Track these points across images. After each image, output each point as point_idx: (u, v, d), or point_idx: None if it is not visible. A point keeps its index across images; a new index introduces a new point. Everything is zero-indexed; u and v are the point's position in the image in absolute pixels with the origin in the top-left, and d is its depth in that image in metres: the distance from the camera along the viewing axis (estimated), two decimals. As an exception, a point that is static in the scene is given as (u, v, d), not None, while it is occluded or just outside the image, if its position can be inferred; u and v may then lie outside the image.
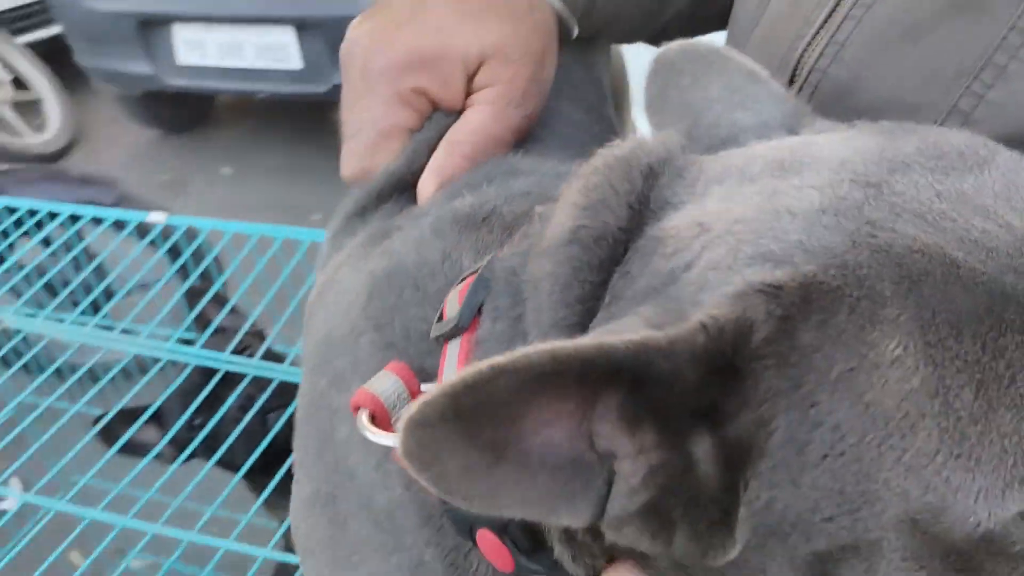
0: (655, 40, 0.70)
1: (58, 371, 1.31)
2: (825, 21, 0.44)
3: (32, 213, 1.37)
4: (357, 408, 0.35)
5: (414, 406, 0.25)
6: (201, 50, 3.07)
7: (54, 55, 3.63)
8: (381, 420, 0.35)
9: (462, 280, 0.39)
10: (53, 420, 1.23)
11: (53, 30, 3.48)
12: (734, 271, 0.27)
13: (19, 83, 3.62)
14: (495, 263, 0.37)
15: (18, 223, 1.38)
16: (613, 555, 0.33)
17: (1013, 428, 0.26)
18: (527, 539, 0.35)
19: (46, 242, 1.61)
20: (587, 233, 0.32)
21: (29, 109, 3.68)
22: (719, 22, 0.61)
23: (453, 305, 0.38)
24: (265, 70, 3.01)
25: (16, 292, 1.45)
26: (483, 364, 0.25)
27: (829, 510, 0.27)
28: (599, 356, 0.25)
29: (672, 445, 0.28)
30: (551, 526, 0.34)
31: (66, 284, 1.37)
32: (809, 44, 0.44)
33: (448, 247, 0.42)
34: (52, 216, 1.37)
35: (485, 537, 0.36)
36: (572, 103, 0.59)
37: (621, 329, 0.26)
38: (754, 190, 0.30)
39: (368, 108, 0.50)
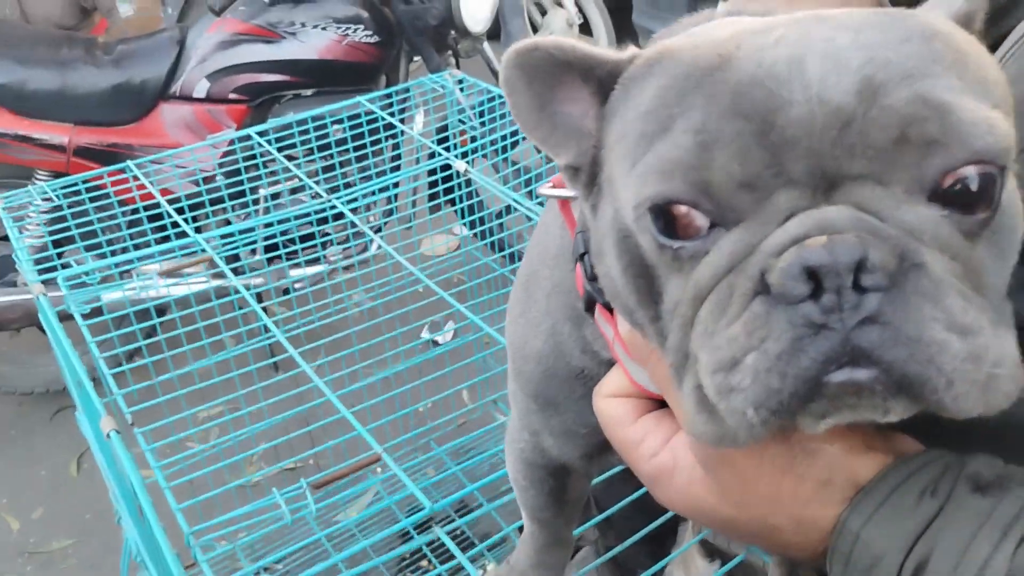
0: None
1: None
2: None
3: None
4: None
5: (507, 55, 0.44)
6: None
7: (618, 11, 4.21)
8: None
9: None
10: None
11: (626, -12, 3.99)
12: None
13: (583, 28, 4.29)
14: None
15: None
16: None
17: (650, 153, 0.39)
18: (592, 271, 0.50)
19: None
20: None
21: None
22: None
23: None
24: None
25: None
26: (531, 41, 0.43)
27: (620, 170, 0.42)
28: (579, 54, 0.44)
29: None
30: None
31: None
32: None
33: None
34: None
35: (576, 269, 0.52)
36: None
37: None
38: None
39: None
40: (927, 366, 0.34)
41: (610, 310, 0.50)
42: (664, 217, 0.38)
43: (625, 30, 4.06)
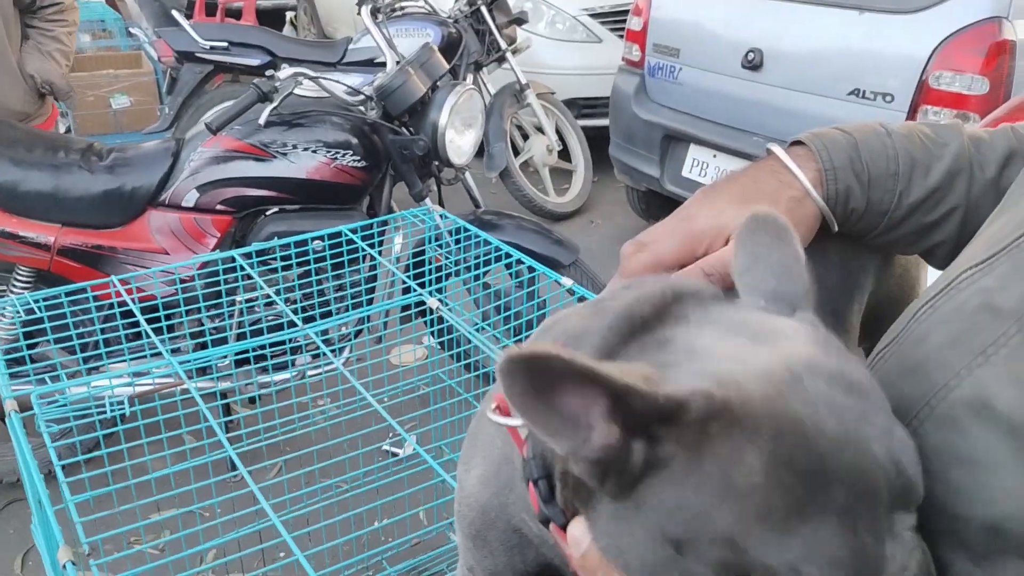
0: (928, 256, 0.77)
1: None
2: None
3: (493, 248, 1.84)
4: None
5: (513, 350, 0.43)
6: (702, 169, 3.53)
7: (595, 141, 4.43)
8: (504, 411, 0.58)
9: None
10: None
11: (603, 122, 4.20)
12: (701, 376, 0.46)
13: (562, 154, 4.51)
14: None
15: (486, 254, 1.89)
16: (575, 511, 0.52)
17: (799, 539, 0.43)
18: (547, 492, 0.54)
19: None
20: (627, 310, 0.53)
21: (560, 175, 4.55)
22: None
23: None
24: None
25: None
26: (552, 347, 0.43)
27: (676, 524, 0.45)
28: (601, 377, 0.43)
29: (623, 440, 0.45)
30: (557, 482, 0.53)
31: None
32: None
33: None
34: (505, 255, 1.81)
35: (529, 488, 0.55)
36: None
37: (627, 368, 0.45)
38: (734, 340, 0.50)
39: (663, 241, 0.71)
40: None
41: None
42: None
43: (603, 159, 4.28)
